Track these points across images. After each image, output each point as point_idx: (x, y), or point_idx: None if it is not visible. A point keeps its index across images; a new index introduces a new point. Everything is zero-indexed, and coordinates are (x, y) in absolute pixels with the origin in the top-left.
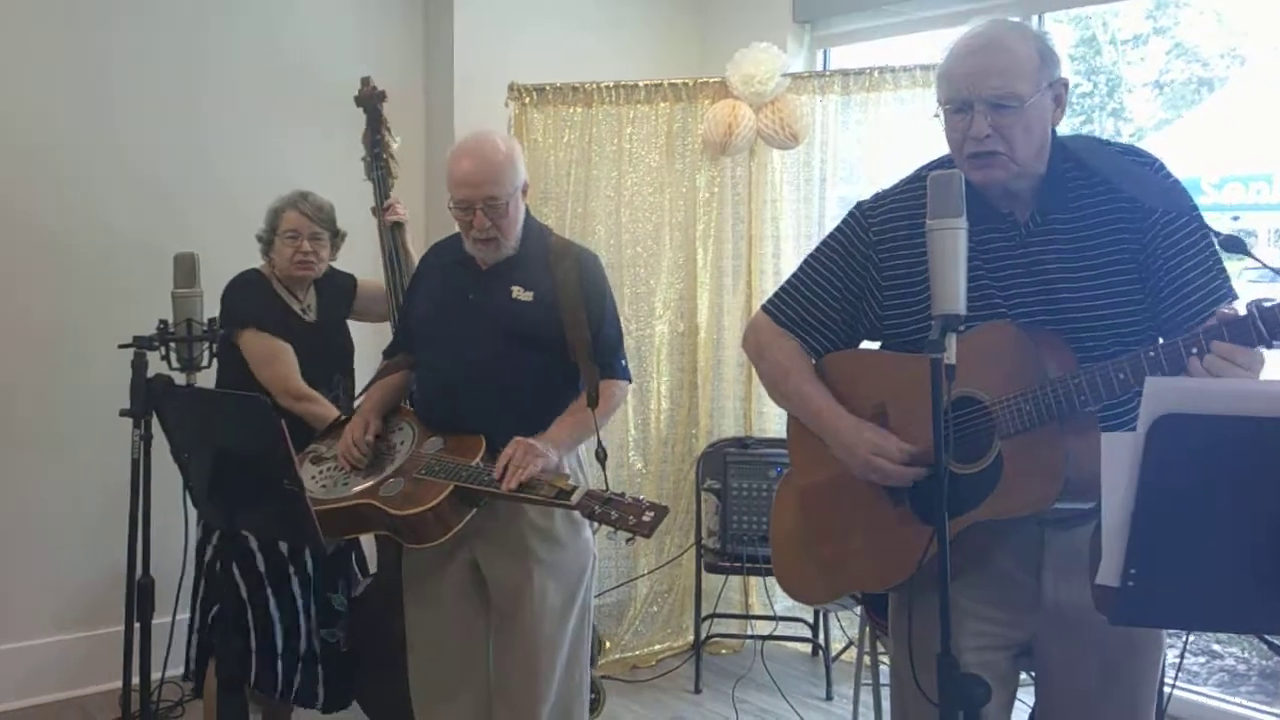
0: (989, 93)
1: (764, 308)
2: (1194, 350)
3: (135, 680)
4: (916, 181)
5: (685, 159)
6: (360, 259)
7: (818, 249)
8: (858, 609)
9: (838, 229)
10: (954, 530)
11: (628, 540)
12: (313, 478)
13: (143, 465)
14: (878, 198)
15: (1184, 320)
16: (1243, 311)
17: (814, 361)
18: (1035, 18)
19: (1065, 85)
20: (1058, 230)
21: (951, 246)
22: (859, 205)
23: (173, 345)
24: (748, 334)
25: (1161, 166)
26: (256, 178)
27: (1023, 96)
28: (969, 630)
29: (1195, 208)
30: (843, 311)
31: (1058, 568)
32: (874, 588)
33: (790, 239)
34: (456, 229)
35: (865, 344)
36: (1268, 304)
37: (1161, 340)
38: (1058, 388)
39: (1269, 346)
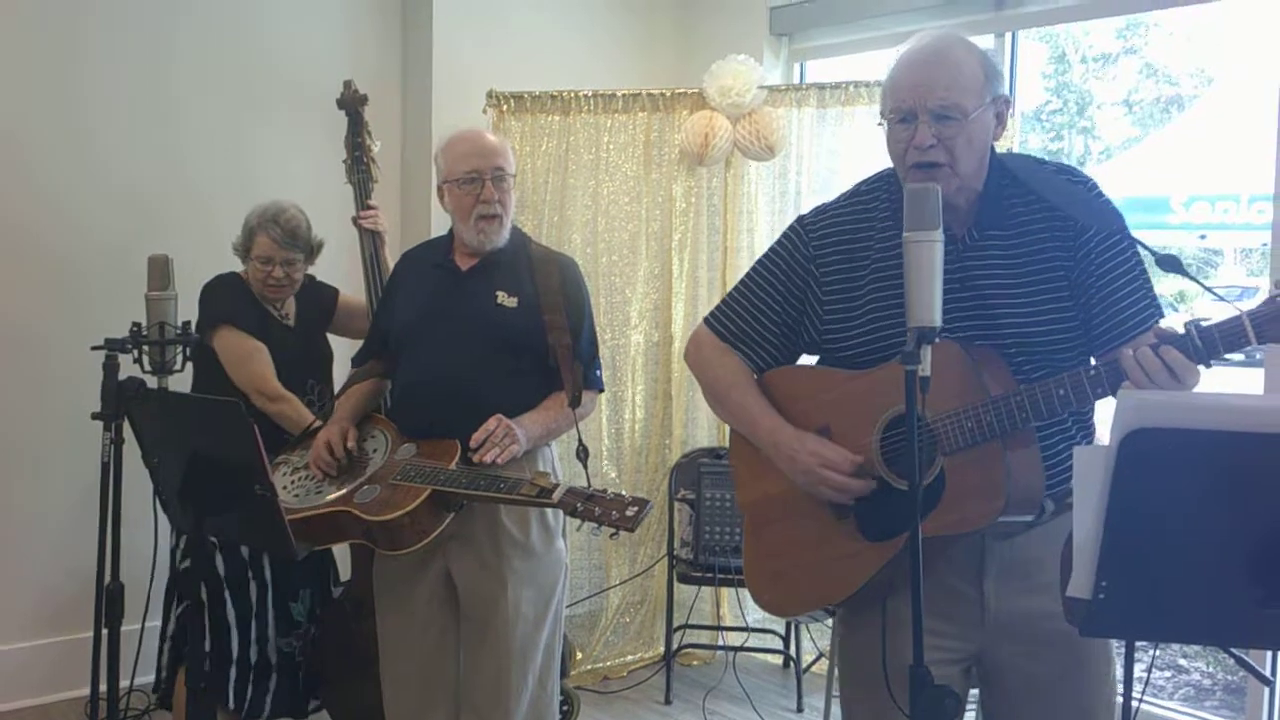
0: (934, 104)
1: (706, 320)
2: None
3: (103, 687)
4: (855, 196)
5: (662, 169)
6: (339, 270)
7: (759, 262)
8: (829, 621)
9: (778, 242)
10: (897, 547)
11: (611, 535)
12: (284, 487)
13: (113, 469)
14: (818, 211)
15: (1115, 338)
16: (1181, 330)
17: (756, 377)
18: (1008, 35)
19: (1007, 103)
20: (994, 247)
21: (928, 258)
22: (800, 219)
23: (145, 348)
24: (689, 347)
25: (1095, 186)
26: (230, 180)
27: (967, 110)
28: None
29: (1126, 228)
30: (783, 325)
31: (1000, 577)
32: (820, 604)
33: (765, 250)
34: (430, 236)
35: (805, 359)
36: (1205, 323)
37: (1093, 359)
38: (999, 404)
39: (1206, 365)
